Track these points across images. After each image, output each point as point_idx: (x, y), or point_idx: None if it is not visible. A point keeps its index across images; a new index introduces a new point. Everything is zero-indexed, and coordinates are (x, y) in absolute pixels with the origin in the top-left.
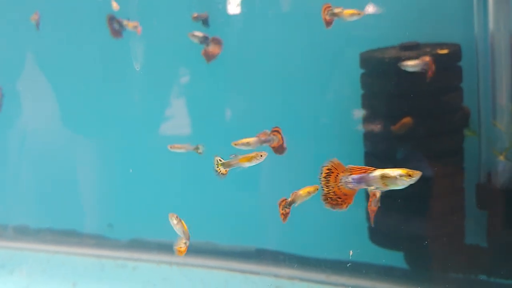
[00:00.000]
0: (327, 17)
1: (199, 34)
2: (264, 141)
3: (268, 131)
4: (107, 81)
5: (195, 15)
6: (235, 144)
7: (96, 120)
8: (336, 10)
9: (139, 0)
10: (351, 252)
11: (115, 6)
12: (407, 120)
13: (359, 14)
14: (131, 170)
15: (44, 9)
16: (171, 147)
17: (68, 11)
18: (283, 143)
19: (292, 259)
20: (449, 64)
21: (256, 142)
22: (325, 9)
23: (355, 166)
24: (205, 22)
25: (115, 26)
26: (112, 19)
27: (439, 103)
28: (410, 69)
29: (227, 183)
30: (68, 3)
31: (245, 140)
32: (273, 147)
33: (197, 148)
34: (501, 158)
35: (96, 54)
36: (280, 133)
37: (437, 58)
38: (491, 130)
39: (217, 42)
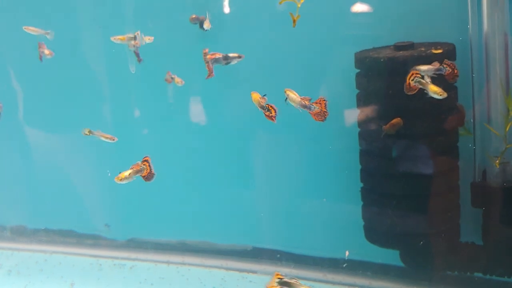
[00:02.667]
0: (412, 83)
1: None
2: (138, 172)
3: (140, 162)
4: (103, 83)
5: (193, 16)
6: (118, 179)
7: (93, 121)
8: (424, 81)
9: (135, 4)
10: (347, 253)
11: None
12: (396, 120)
13: (442, 94)
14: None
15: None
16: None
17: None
18: (151, 170)
19: (289, 258)
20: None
21: (132, 174)
22: (412, 74)
23: None
24: (202, 25)
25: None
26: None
27: (434, 102)
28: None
29: (224, 182)
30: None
31: (126, 173)
32: (143, 176)
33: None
34: (496, 164)
35: (93, 57)
36: (148, 162)
37: (431, 58)
38: (485, 130)
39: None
